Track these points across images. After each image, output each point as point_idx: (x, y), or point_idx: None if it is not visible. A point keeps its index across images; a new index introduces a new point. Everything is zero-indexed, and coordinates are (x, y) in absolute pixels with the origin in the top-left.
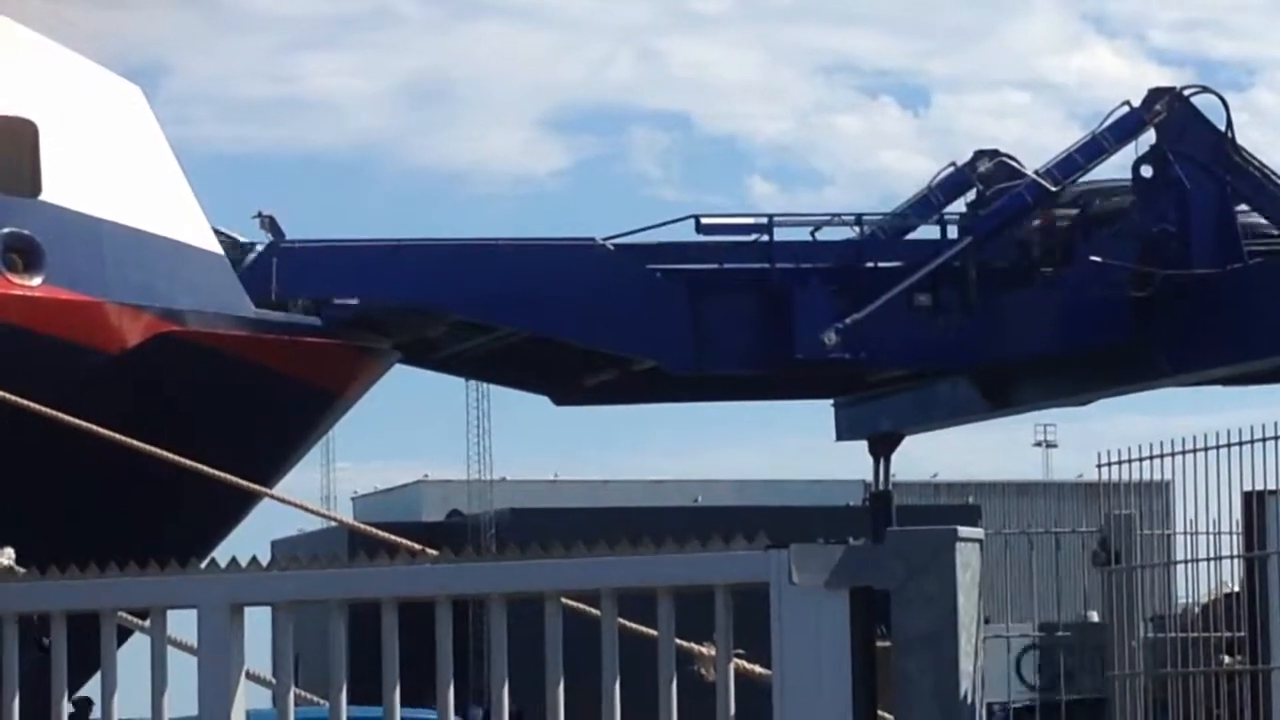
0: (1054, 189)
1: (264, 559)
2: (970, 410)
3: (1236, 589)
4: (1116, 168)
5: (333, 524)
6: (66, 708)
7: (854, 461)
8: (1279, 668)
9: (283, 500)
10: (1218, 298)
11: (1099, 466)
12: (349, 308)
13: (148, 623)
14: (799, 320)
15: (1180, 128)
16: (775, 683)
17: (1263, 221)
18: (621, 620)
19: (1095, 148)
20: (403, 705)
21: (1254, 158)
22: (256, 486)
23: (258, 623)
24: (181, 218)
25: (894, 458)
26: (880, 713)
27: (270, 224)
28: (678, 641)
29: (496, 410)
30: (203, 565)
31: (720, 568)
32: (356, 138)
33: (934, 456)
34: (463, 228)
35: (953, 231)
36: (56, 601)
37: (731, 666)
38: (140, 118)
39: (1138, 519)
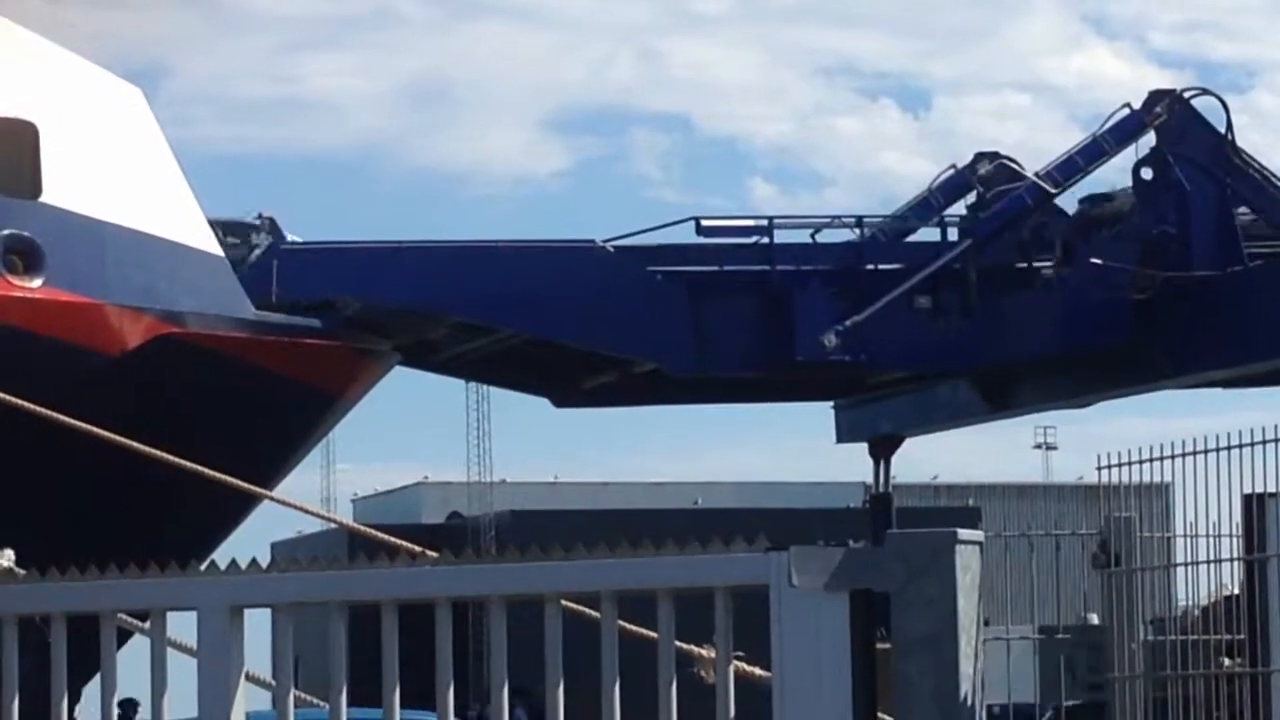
0: (1054, 191)
1: (264, 561)
2: (970, 412)
3: (1236, 591)
4: (1117, 170)
5: (333, 526)
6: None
7: (854, 464)
8: (1279, 670)
9: (283, 502)
10: (1218, 300)
11: (1099, 469)
12: (350, 307)
13: (148, 624)
14: (799, 322)
15: (1180, 130)
16: (775, 685)
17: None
18: (621, 622)
19: (1095, 150)
20: (403, 707)
21: (1254, 160)
22: (256, 488)
23: (257, 625)
24: (182, 219)
25: (894, 460)
26: (880, 715)
27: (270, 225)
28: (677, 644)
29: (496, 412)
30: (203, 567)
31: (720, 570)
32: (357, 138)
33: (934, 459)
34: (463, 229)
35: (953, 234)
36: (56, 603)
37: (731, 669)
38: (140, 119)
39: (1138, 521)
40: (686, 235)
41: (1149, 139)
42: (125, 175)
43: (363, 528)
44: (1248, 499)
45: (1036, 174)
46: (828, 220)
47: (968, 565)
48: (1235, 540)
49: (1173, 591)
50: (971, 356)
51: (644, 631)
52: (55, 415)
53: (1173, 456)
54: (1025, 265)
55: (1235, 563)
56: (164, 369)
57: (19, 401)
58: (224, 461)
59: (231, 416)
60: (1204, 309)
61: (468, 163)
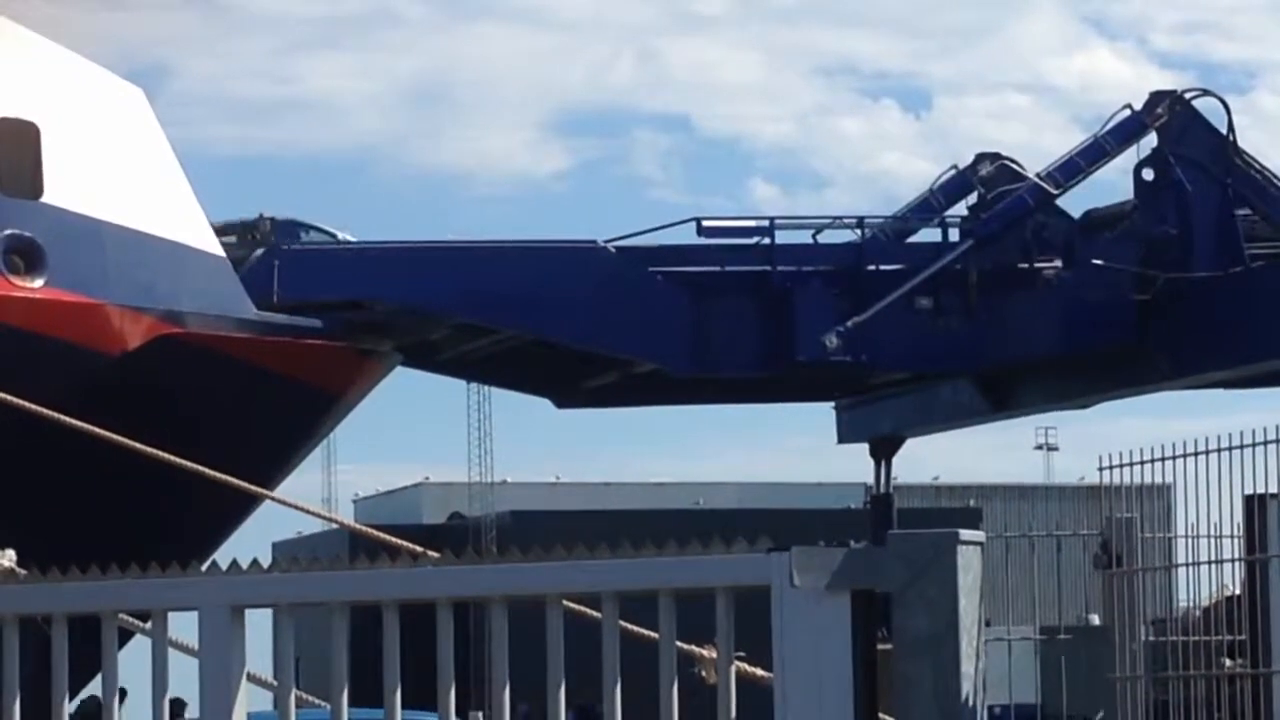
0: (1055, 192)
1: (265, 561)
2: (971, 413)
3: (1237, 592)
4: (1118, 170)
5: (334, 526)
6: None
7: (855, 464)
8: None
9: (284, 502)
10: (1219, 301)
11: (1100, 469)
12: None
13: (149, 625)
14: (800, 323)
15: (1181, 130)
16: (776, 685)
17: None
18: (622, 623)
19: (1097, 151)
20: (404, 708)
21: (1255, 160)
22: (257, 488)
23: (259, 625)
24: (183, 219)
25: (895, 460)
26: (881, 715)
27: (272, 226)
28: (679, 644)
29: (498, 413)
30: (204, 567)
31: (722, 570)
32: (358, 139)
33: (935, 459)
34: (464, 230)
35: (954, 234)
36: (58, 603)
37: (733, 669)
38: (142, 119)
39: (1139, 522)
40: (687, 236)
41: (1150, 140)
42: (126, 175)
43: (364, 528)
44: (1249, 499)
45: (1038, 175)
46: (829, 221)
47: (969, 566)
48: (1236, 541)
49: (1174, 592)
50: (973, 357)
51: (645, 632)
52: (56, 415)
53: (1174, 457)
54: (1026, 266)
55: (1236, 563)
56: (165, 369)
57: (20, 401)
58: (225, 462)
59: (232, 417)
60: (1205, 310)
61: (469, 163)
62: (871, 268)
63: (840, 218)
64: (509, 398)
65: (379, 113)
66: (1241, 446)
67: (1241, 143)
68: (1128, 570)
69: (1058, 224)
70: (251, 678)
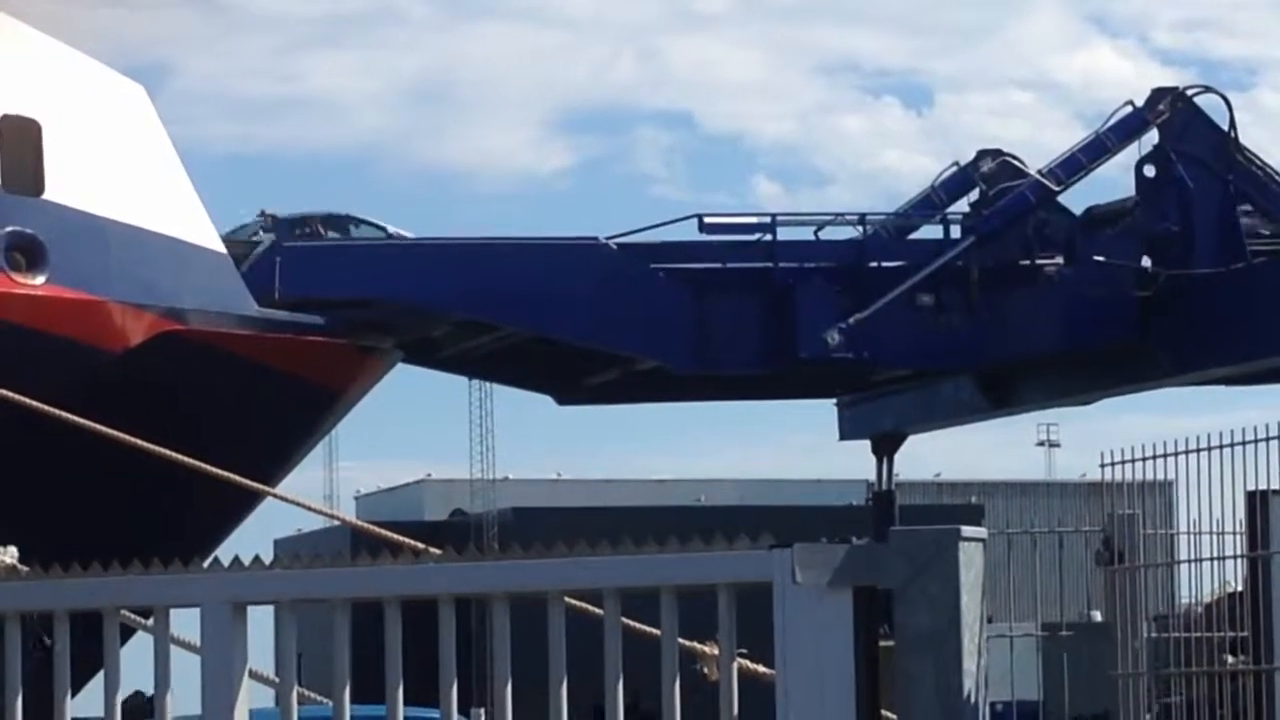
0: (1057, 188)
1: (267, 558)
2: (973, 410)
3: (1240, 589)
4: (1120, 167)
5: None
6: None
7: (857, 461)
8: None
9: (285, 499)
10: (1220, 297)
11: (1102, 466)
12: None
13: (150, 621)
14: (802, 320)
15: (1183, 127)
16: (778, 682)
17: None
18: (625, 620)
19: (1098, 147)
20: (406, 704)
21: (1257, 157)
22: (259, 485)
23: (260, 621)
24: (184, 217)
25: (897, 457)
26: (883, 712)
27: (273, 223)
28: (681, 641)
29: (499, 409)
30: (206, 564)
31: (723, 567)
32: (360, 137)
33: (937, 456)
34: (466, 227)
35: (956, 231)
36: (59, 600)
37: (735, 666)
38: (143, 117)
39: (1141, 519)
40: (689, 232)
41: (1152, 136)
42: (128, 172)
43: (366, 525)
44: (1251, 496)
45: (1039, 171)
46: (830, 218)
47: (971, 562)
48: (1238, 537)
49: (1176, 589)
50: (974, 354)
51: (648, 629)
52: (58, 413)
53: (1176, 454)
54: (1028, 263)
55: (1238, 560)
56: (167, 366)
57: (22, 399)
58: (227, 458)
59: (234, 413)
60: (1206, 306)
61: (471, 161)
62: (873, 265)
63: (842, 215)
64: (510, 394)
65: (381, 111)
66: (1243, 443)
67: (1243, 139)
68: (1130, 567)
69: (1059, 221)
70: (253, 674)
